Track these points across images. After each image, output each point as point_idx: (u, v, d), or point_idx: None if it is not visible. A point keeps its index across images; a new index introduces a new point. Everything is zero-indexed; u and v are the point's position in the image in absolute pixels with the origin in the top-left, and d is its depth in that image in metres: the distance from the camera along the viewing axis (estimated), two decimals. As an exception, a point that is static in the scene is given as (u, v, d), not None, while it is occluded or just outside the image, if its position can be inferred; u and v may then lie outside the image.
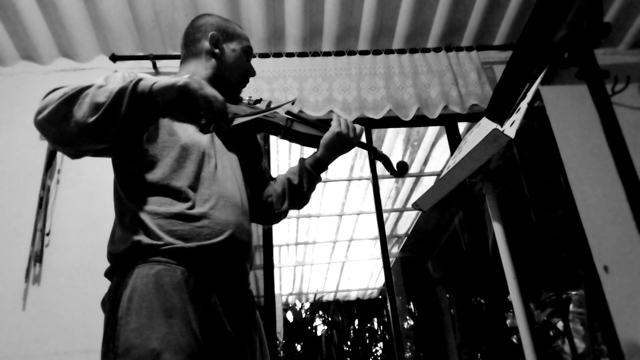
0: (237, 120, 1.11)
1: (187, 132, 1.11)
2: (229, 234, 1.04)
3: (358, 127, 1.33)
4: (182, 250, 0.96)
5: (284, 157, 3.76)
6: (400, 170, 1.35)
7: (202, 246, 0.99)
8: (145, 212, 0.99)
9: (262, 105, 1.27)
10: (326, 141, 1.28)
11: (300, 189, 1.31)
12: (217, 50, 1.26)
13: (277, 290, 5.27)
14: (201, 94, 0.90)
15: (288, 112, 1.30)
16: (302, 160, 1.33)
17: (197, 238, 0.99)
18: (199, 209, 1.02)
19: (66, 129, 0.90)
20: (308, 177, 1.31)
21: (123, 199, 1.05)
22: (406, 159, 4.01)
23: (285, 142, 3.39)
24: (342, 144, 1.28)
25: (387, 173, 1.39)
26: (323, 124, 1.33)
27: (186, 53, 1.30)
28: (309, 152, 1.36)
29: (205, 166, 1.09)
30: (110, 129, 0.91)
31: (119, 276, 0.97)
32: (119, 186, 1.07)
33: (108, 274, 1.03)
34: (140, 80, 0.91)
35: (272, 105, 1.27)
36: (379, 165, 1.39)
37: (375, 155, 1.39)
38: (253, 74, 1.33)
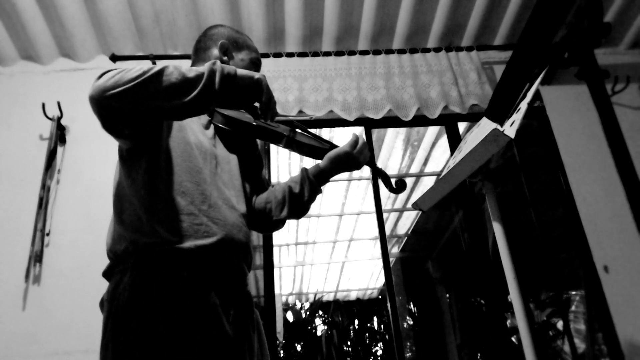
0: (250, 121, 1.24)
1: (193, 131, 1.13)
2: (226, 233, 1.04)
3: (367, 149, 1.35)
4: (181, 250, 0.97)
5: (284, 157, 3.76)
6: (398, 188, 1.37)
7: (200, 246, 0.99)
8: (146, 207, 1.00)
9: None
10: (334, 156, 1.29)
11: (300, 198, 1.31)
12: (225, 58, 1.29)
13: (277, 290, 5.27)
14: (267, 91, 1.07)
15: (292, 123, 1.31)
16: (304, 170, 1.33)
17: (194, 236, 0.99)
18: (198, 207, 1.03)
19: (154, 105, 0.95)
20: (310, 186, 1.31)
21: (125, 193, 1.05)
22: (406, 159, 4.02)
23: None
24: (349, 164, 1.30)
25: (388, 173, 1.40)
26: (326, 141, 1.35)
27: (196, 59, 1.34)
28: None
29: (207, 166, 1.10)
30: (209, 102, 1.00)
31: (118, 276, 0.97)
32: (125, 178, 1.07)
33: (106, 274, 1.03)
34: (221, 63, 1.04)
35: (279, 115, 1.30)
36: (381, 181, 1.42)
37: (375, 171, 1.41)
38: None
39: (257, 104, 1.12)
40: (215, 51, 1.30)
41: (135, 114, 0.95)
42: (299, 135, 1.30)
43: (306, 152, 1.31)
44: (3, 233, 2.27)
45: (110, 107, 0.93)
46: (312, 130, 1.35)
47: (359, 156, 1.30)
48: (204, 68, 0.99)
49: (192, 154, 1.09)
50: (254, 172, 1.35)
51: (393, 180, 1.39)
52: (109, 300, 0.96)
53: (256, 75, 1.06)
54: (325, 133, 3.37)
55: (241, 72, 1.04)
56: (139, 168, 1.05)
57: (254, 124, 1.23)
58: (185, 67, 0.98)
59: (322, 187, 1.35)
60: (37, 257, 2.19)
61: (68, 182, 2.40)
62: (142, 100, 0.93)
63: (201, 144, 1.13)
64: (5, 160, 2.42)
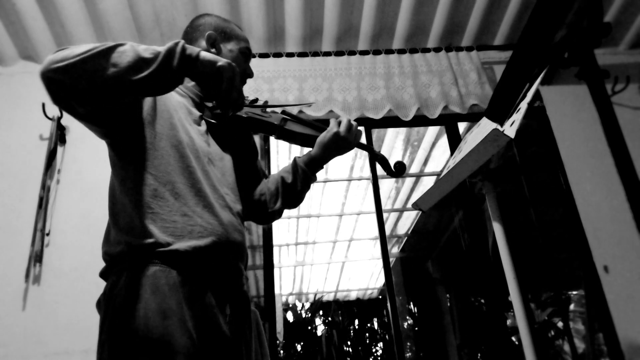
0: (240, 113, 1.20)
1: (185, 129, 1.11)
2: (222, 234, 1.03)
3: (358, 128, 1.32)
4: (177, 252, 0.96)
5: (284, 157, 3.76)
6: (398, 171, 1.33)
7: (196, 248, 0.98)
8: (139, 208, 0.99)
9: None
10: (322, 141, 1.26)
11: (293, 188, 1.29)
12: (213, 50, 1.25)
13: (277, 290, 5.27)
14: (228, 82, 0.97)
15: (284, 112, 1.29)
16: (296, 159, 1.31)
17: (189, 236, 0.99)
18: (192, 208, 1.02)
19: (101, 80, 0.90)
20: (302, 176, 1.29)
21: (118, 195, 1.04)
22: (406, 159, 4.01)
23: (285, 142, 3.39)
24: (339, 145, 1.26)
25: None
26: (322, 124, 1.32)
27: None
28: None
29: (200, 165, 1.09)
30: (162, 82, 0.95)
31: (114, 277, 0.97)
32: (115, 179, 1.07)
33: (103, 274, 1.02)
34: (184, 43, 0.97)
35: (270, 104, 1.28)
36: (379, 165, 1.39)
37: (373, 155, 1.37)
38: (250, 75, 1.32)
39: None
40: (203, 43, 1.25)
41: (81, 88, 0.91)
42: (291, 124, 1.27)
43: (300, 141, 1.28)
44: (3, 233, 2.27)
45: (55, 80, 0.90)
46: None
47: (348, 135, 1.26)
48: (162, 48, 0.94)
49: (184, 154, 1.07)
50: (250, 163, 1.33)
51: (392, 164, 1.35)
52: (105, 300, 0.96)
53: (220, 61, 0.97)
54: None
55: (205, 56, 0.96)
56: (129, 171, 1.04)
57: (244, 116, 1.20)
58: (144, 47, 0.94)
59: (316, 175, 1.32)
60: (37, 257, 2.19)
61: (68, 182, 2.40)
62: (87, 74, 0.89)
63: (194, 142, 1.11)
64: (5, 160, 2.42)
